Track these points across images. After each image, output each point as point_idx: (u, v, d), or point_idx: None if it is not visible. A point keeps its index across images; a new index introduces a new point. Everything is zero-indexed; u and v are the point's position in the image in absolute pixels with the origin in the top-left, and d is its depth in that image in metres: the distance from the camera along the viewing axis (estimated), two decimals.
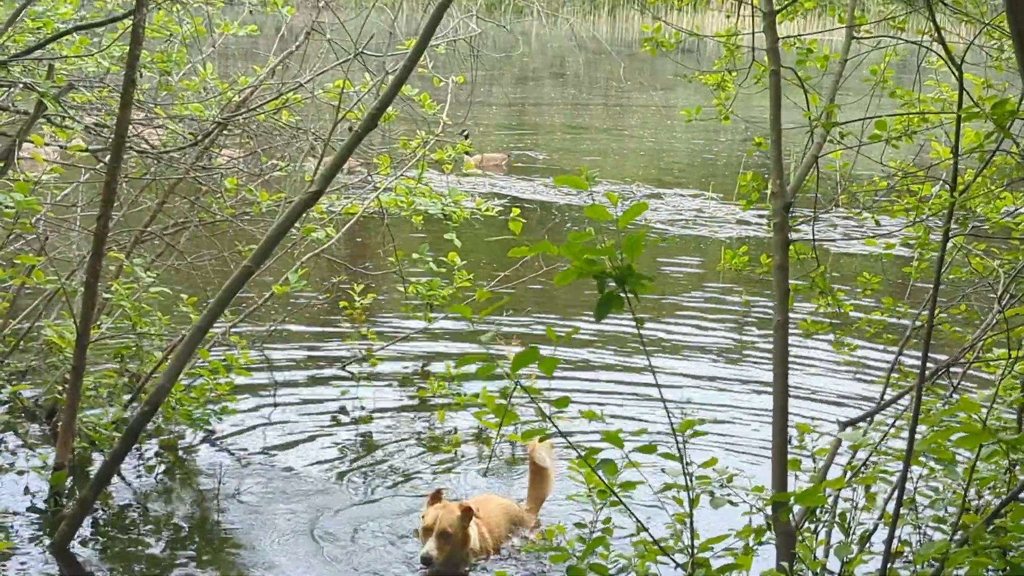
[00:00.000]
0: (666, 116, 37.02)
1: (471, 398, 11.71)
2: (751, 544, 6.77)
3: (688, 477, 6.31)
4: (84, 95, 11.23)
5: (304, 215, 10.43)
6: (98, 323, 10.85)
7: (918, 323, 8.60)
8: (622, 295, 5.22)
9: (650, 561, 6.88)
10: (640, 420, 11.11)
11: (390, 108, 9.86)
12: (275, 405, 12.08)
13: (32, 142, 9.91)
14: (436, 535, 8.19)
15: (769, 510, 6.72)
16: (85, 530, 8.74)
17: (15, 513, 9.09)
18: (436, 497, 8.49)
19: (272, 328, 13.15)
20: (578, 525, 8.03)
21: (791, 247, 7.61)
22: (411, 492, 10.00)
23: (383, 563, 8.67)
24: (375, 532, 9.18)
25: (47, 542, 8.56)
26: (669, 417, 6.07)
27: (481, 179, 24.53)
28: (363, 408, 12.22)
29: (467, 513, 8.31)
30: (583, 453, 6.07)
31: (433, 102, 12.67)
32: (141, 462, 10.34)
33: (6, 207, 9.40)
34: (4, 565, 8.04)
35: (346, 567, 8.65)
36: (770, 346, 5.88)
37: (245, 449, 10.86)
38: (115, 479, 9.42)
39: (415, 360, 14.04)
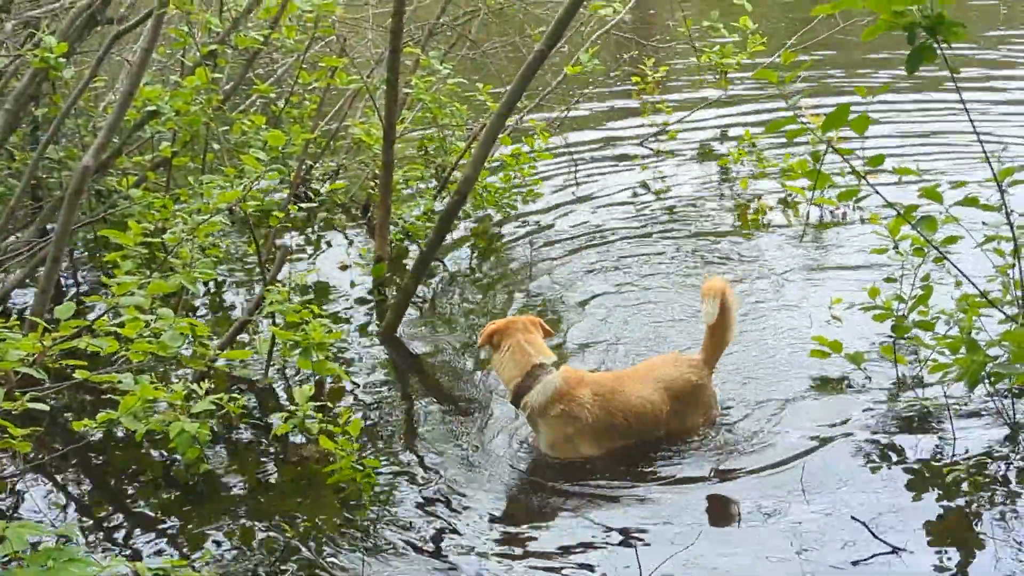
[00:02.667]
0: None
1: (774, 164, 11.53)
2: None
3: (1011, 226, 6.07)
4: None
5: None
6: (401, 118, 11.12)
7: None
8: (934, 45, 4.99)
9: (975, 316, 6.71)
10: (956, 174, 10.70)
11: None
12: (576, 184, 12.19)
13: None
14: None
15: None
16: (410, 316, 9.08)
17: (344, 304, 9.52)
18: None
19: (568, 109, 13.20)
20: (888, 280, 7.80)
21: None
22: (719, 262, 9.97)
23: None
24: (684, 303, 9.19)
25: (376, 330, 8.95)
26: (989, 165, 5.81)
27: None
28: (663, 181, 12.20)
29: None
30: (902, 211, 5.91)
31: None
32: (456, 248, 10.62)
33: (305, 11, 9.65)
34: (340, 354, 8.46)
35: (644, 328, 8.72)
36: None
37: (553, 229, 11.01)
38: (431, 267, 9.71)
39: (714, 130, 13.88)
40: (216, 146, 10.12)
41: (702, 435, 7.03)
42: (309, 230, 11.25)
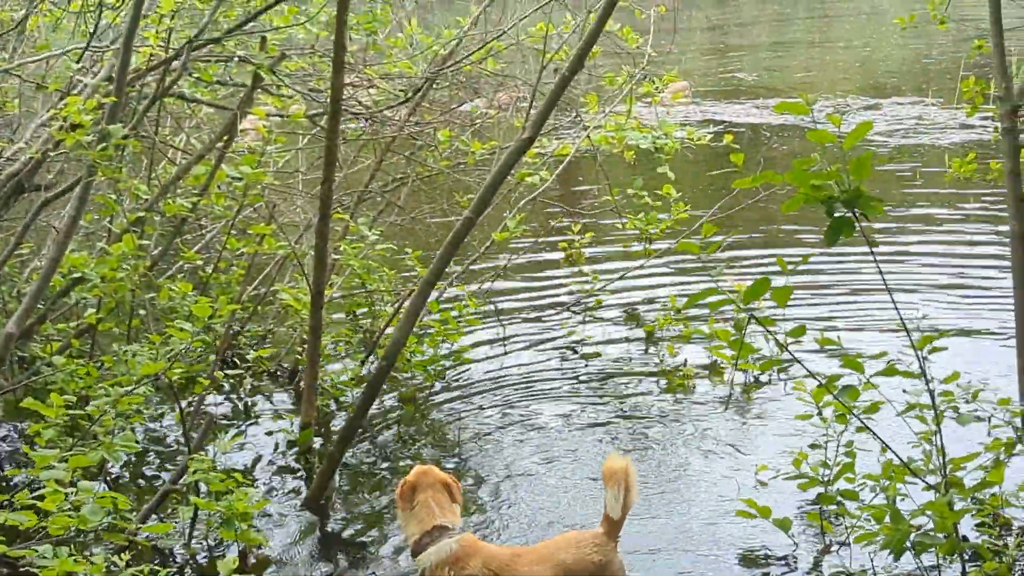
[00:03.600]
0: (876, 22, 35.92)
1: (698, 331, 11.65)
2: (1002, 458, 6.61)
3: (931, 394, 6.16)
4: (296, 63, 11.50)
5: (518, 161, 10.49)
6: (330, 283, 11.16)
7: None
8: (852, 219, 5.12)
9: (899, 483, 6.77)
10: (875, 344, 10.87)
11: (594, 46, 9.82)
12: (505, 349, 12.25)
13: (254, 114, 10.20)
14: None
15: (1018, 422, 6.53)
16: (337, 483, 9.00)
17: (269, 471, 9.43)
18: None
19: (496, 275, 13.33)
20: (813, 446, 7.90)
21: (1022, 151, 7.33)
22: (646, 427, 10.02)
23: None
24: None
25: (301, 498, 8.86)
26: (908, 335, 5.93)
27: (691, 107, 24.29)
28: (591, 345, 12.29)
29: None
30: (823, 380, 5.99)
31: (636, 35, 12.58)
32: (382, 415, 10.59)
33: (235, 179, 9.73)
34: (266, 522, 8.36)
35: (573, 502, 8.71)
36: (1007, 255, 5.67)
37: (480, 393, 11.03)
38: (359, 433, 9.66)
39: (639, 296, 14.03)
40: (142, 312, 10.09)
41: None
42: (235, 396, 11.17)
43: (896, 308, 5.97)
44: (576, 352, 12.15)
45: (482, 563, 6.68)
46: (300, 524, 8.48)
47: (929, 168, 18.83)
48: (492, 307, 12.90)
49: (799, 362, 5.95)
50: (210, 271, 11.42)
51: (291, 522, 8.51)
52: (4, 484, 8.66)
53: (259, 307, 11.81)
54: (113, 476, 9.17)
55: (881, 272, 5.83)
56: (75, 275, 9.30)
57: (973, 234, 15.56)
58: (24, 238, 9.59)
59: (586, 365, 11.74)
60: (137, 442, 7.67)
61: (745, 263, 14.42)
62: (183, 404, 8.66)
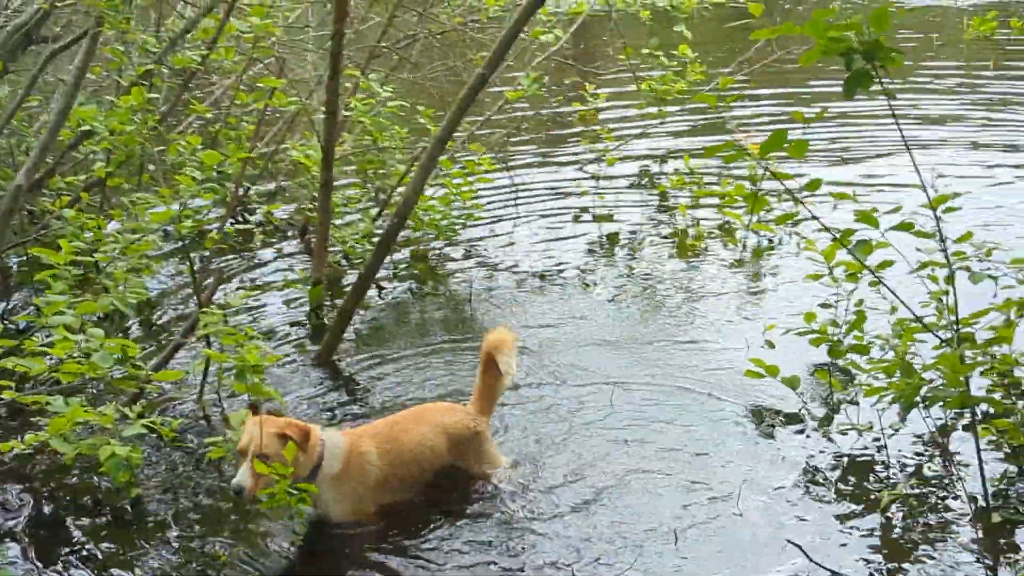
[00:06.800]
0: None
1: (711, 192, 11.56)
2: (1013, 317, 6.58)
3: (945, 253, 6.11)
4: None
5: (532, 18, 10.33)
6: (341, 140, 11.08)
7: None
8: (871, 71, 5.02)
9: (910, 340, 6.76)
10: (892, 201, 10.79)
11: None
12: (517, 208, 12.18)
13: None
14: (251, 459, 6.09)
15: None
16: (348, 339, 9.02)
17: (280, 326, 9.44)
18: (254, 410, 6.50)
19: (509, 133, 13.23)
20: (823, 306, 7.88)
21: None
22: (657, 287, 10.00)
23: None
24: (622, 328, 9.21)
25: (313, 353, 8.87)
26: (925, 191, 5.85)
27: None
28: (604, 207, 12.22)
29: (283, 438, 6.14)
30: (838, 234, 5.93)
31: None
32: (394, 272, 10.57)
33: (243, 32, 9.59)
34: (277, 377, 8.38)
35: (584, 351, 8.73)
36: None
37: (493, 252, 10.99)
38: (370, 289, 9.64)
39: (653, 157, 13.93)
40: (152, 167, 10.02)
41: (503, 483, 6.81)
42: (246, 252, 11.15)
43: (914, 163, 5.88)
44: (588, 212, 12.08)
45: (370, 439, 6.55)
46: (311, 379, 8.50)
47: (946, 32, 18.55)
48: (504, 167, 12.80)
49: (814, 216, 5.88)
50: (219, 126, 11.34)
51: (302, 377, 8.53)
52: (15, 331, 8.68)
53: (269, 163, 11.73)
54: (124, 330, 9.19)
55: (899, 126, 5.73)
56: (84, 128, 9.22)
57: (992, 96, 15.39)
58: (32, 91, 9.48)
59: (599, 226, 11.67)
60: (146, 289, 7.63)
61: (762, 120, 14.28)
62: (194, 258, 8.63)
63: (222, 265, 10.41)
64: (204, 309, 7.49)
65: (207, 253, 10.55)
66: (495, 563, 6.08)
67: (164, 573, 6.03)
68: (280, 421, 6.20)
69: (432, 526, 6.44)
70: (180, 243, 8.80)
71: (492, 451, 6.95)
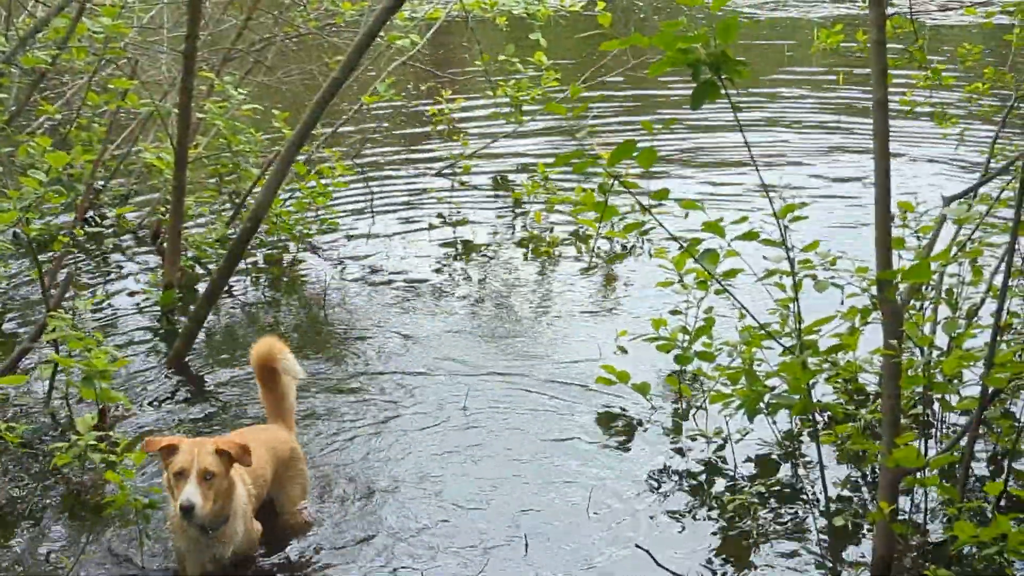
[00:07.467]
0: None
1: (565, 199, 11.68)
2: (857, 325, 6.77)
3: (791, 261, 6.27)
4: None
5: (388, 23, 10.33)
6: (195, 143, 10.95)
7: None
8: (718, 82, 5.13)
9: (756, 347, 6.92)
10: (745, 210, 11.02)
11: None
12: (373, 214, 12.15)
13: None
14: (197, 477, 5.74)
15: (874, 290, 6.67)
16: (199, 344, 8.93)
17: (131, 331, 9.31)
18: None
19: (364, 138, 13.21)
20: (674, 312, 8.05)
21: (888, 22, 7.39)
22: (511, 293, 10.09)
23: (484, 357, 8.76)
24: (475, 333, 9.27)
25: (164, 357, 8.77)
26: (770, 202, 6.00)
27: None
28: (459, 212, 12.26)
29: (222, 454, 5.85)
30: (685, 244, 6.05)
31: None
32: (247, 277, 10.49)
33: (95, 32, 9.43)
34: (127, 382, 8.27)
35: (437, 357, 8.77)
36: (869, 125, 5.74)
37: (347, 258, 10.96)
38: (223, 294, 9.55)
39: (508, 163, 14.02)
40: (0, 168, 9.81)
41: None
42: (97, 256, 10.96)
43: (759, 174, 6.03)
44: (443, 218, 12.11)
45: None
46: (162, 383, 8.40)
47: (796, 43, 19.01)
48: (361, 172, 12.77)
49: (662, 225, 5.99)
50: (70, 128, 11.13)
51: (152, 381, 8.43)
52: None
53: (121, 165, 11.54)
54: None
55: (744, 137, 5.87)
56: None
57: (840, 104, 15.82)
58: None
59: (454, 231, 11.72)
60: None
61: (611, 128, 14.50)
62: (42, 261, 8.46)
63: (71, 268, 10.21)
64: (52, 313, 7.36)
65: (56, 255, 10.34)
66: None
67: None
68: (212, 439, 5.94)
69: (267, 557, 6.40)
70: (29, 245, 8.62)
71: (304, 471, 6.75)
